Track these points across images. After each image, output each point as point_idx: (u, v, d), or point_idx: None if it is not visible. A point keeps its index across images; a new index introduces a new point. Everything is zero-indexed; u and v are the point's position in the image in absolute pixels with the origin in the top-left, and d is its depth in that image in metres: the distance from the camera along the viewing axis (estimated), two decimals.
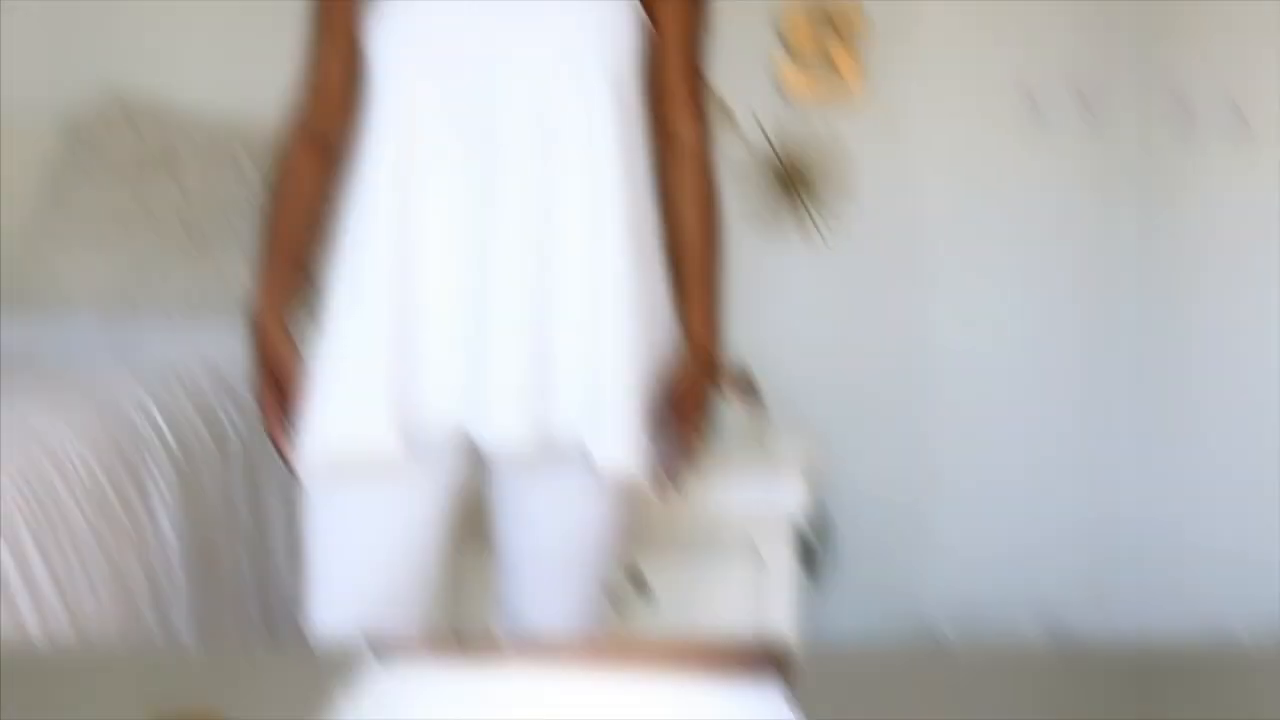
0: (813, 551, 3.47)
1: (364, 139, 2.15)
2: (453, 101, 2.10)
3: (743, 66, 3.63)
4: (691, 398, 2.23)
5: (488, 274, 2.08)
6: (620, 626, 2.96)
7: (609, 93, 2.10)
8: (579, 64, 2.09)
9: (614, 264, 2.09)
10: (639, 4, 2.17)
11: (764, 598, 3.03)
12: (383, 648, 1.41)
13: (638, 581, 3.00)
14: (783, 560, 3.04)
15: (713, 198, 2.28)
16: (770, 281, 3.66)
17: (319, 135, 2.27)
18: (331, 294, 2.17)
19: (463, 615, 3.06)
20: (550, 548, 2.22)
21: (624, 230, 2.10)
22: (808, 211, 3.71)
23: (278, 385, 2.23)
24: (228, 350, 2.55)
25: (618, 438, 2.09)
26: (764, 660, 1.39)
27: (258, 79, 3.73)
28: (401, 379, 2.09)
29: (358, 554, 2.18)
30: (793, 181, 3.69)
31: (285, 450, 2.21)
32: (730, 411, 3.02)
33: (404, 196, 2.10)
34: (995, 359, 3.73)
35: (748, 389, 3.08)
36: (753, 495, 3.02)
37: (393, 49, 2.13)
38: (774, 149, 3.70)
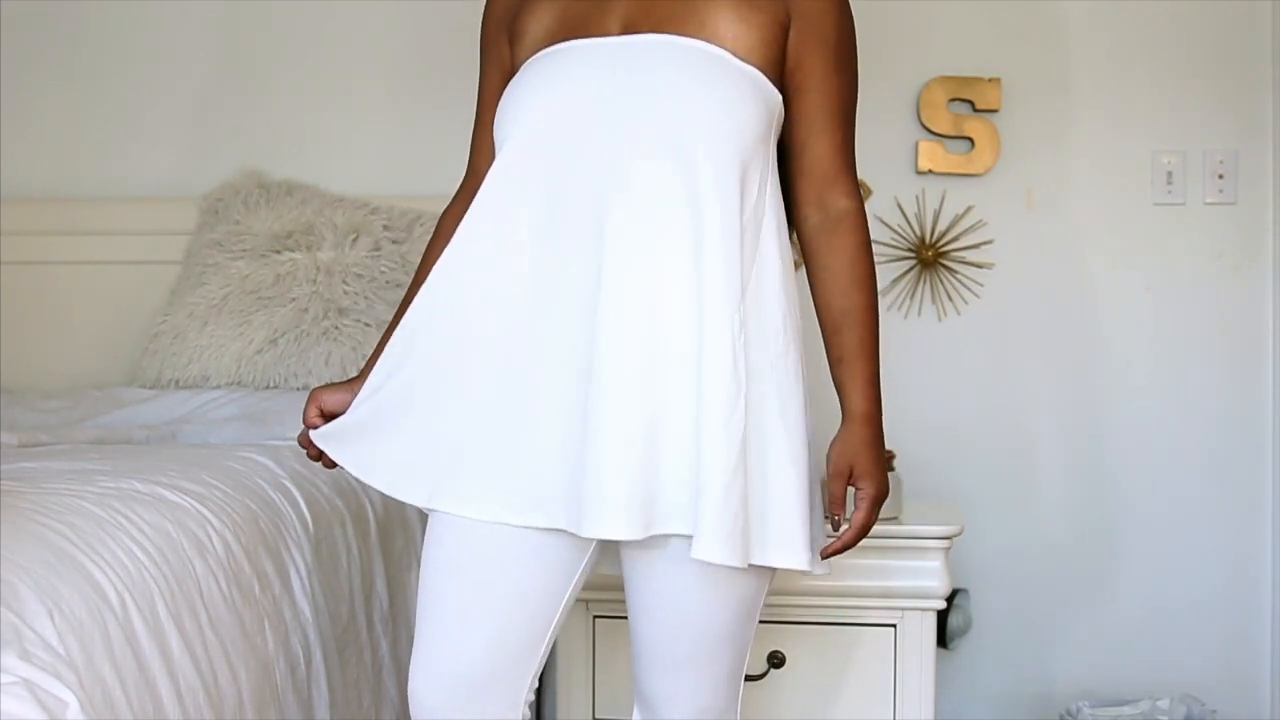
0: (948, 622, 3.43)
1: (469, 216, 2.17)
2: (566, 189, 2.10)
3: (880, 143, 3.63)
4: (860, 469, 2.17)
5: (594, 359, 2.05)
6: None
7: (714, 173, 2.06)
8: (687, 147, 2.06)
9: (724, 352, 2.04)
10: (770, 86, 2.14)
11: (902, 672, 3.00)
12: None
13: (776, 659, 2.98)
14: (921, 636, 3.00)
15: (871, 267, 2.23)
16: (905, 356, 3.64)
17: (462, 214, 2.29)
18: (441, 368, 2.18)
19: (602, 695, 3.07)
20: (673, 628, 2.16)
21: (722, 309, 2.04)
22: (943, 285, 3.69)
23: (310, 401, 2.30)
24: None
25: (726, 530, 2.02)
26: None
27: (393, 160, 3.84)
28: (506, 463, 2.09)
29: (458, 620, 2.16)
30: (928, 256, 3.67)
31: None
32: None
33: (510, 279, 2.11)
34: (1131, 433, 3.67)
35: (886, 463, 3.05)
36: (892, 571, 2.98)
37: (506, 131, 2.14)
38: (910, 224, 3.68)
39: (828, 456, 2.19)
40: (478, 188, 2.24)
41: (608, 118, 2.09)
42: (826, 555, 2.17)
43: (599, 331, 2.05)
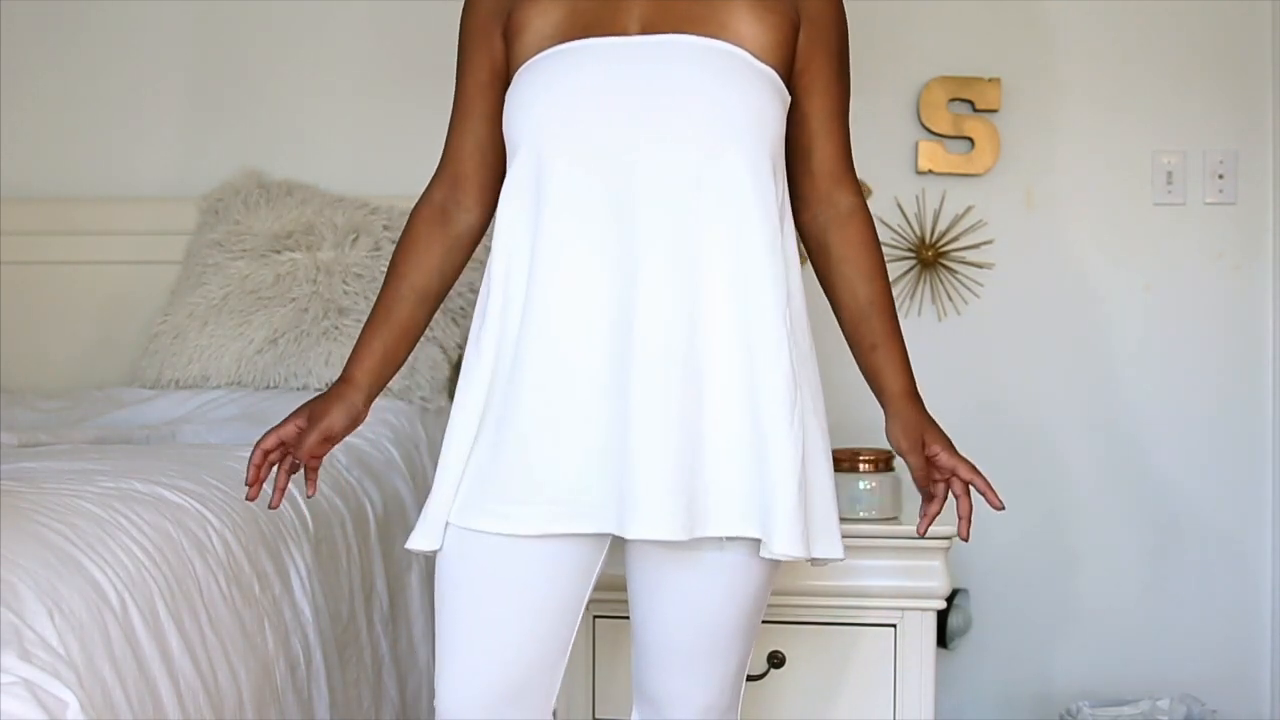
0: (948, 622, 3.42)
1: (498, 225, 2.14)
2: (591, 185, 2.07)
3: (880, 143, 3.63)
4: (931, 438, 2.19)
5: (632, 361, 2.03)
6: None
7: (751, 173, 2.06)
8: (719, 148, 2.06)
9: (781, 352, 2.05)
10: (784, 86, 2.14)
11: (902, 672, 2.99)
12: None
13: (776, 659, 2.98)
14: (921, 636, 2.99)
15: (883, 257, 2.25)
16: None
17: (438, 206, 2.27)
18: (468, 375, 2.16)
19: (602, 695, 3.06)
20: (684, 626, 2.16)
21: (772, 307, 2.05)
22: (943, 285, 3.68)
23: (309, 421, 2.25)
24: (364, 428, 2.54)
25: (800, 526, 2.03)
26: None
27: (393, 160, 3.84)
28: (547, 473, 2.07)
29: (488, 632, 2.14)
30: (928, 256, 3.67)
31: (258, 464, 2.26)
32: (867, 486, 2.99)
33: (544, 280, 2.08)
34: (1131, 432, 3.67)
35: (885, 464, 3.04)
36: (892, 571, 2.98)
37: (520, 130, 2.12)
38: (910, 224, 3.68)
39: (890, 439, 2.22)
40: (455, 179, 2.26)
41: (633, 115, 2.07)
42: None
43: (635, 335, 2.04)
